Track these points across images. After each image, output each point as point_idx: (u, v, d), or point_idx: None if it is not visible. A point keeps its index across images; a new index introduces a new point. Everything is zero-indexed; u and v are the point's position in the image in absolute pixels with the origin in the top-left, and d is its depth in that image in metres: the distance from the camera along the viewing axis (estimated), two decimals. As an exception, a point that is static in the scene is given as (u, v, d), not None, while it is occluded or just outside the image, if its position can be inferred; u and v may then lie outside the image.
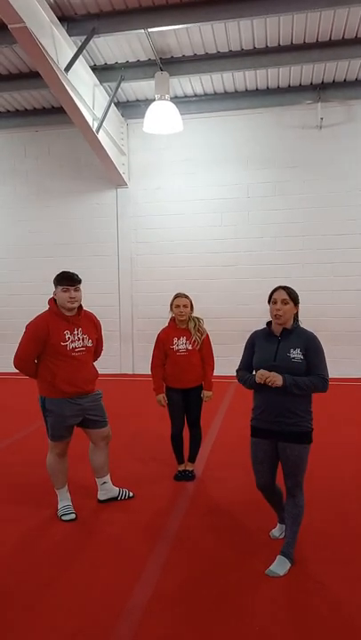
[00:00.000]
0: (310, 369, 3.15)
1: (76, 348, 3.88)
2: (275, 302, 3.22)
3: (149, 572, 3.20)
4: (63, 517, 3.94)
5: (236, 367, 3.44)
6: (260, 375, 3.11)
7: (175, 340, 4.57)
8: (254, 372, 3.27)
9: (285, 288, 3.27)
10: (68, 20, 6.87)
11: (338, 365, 8.64)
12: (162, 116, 7.85)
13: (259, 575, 3.13)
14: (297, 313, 3.32)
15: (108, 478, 4.24)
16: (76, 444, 4.25)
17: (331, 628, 2.68)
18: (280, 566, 3.16)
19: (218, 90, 9.04)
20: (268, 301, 3.29)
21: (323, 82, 8.79)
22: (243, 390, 3.43)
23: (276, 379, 3.07)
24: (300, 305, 3.31)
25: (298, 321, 3.31)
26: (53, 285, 3.91)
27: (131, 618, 2.77)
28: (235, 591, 3.00)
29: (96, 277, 9.77)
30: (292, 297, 3.25)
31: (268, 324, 3.34)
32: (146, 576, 3.16)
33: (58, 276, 3.92)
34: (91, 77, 7.97)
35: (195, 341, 4.57)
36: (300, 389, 3.10)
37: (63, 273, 3.93)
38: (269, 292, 3.31)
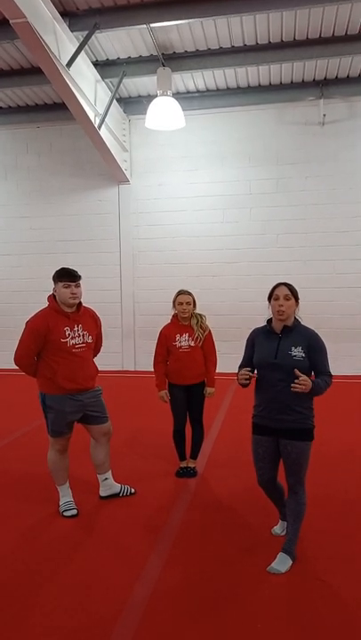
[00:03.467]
0: (316, 368, 3.15)
1: (76, 344, 3.88)
2: (277, 298, 3.20)
3: (150, 569, 3.20)
4: (65, 513, 3.94)
5: (238, 365, 3.43)
6: (299, 384, 3.01)
7: (178, 336, 4.57)
8: (255, 371, 3.26)
9: (286, 284, 3.26)
10: (69, 15, 6.85)
11: (339, 363, 8.58)
12: (164, 112, 7.81)
13: (260, 572, 3.13)
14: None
15: (109, 474, 4.24)
16: (78, 440, 4.25)
17: (332, 626, 2.68)
18: (282, 563, 3.15)
19: (220, 86, 9.01)
20: (269, 298, 3.27)
21: (325, 78, 8.75)
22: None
23: (307, 386, 3.02)
24: (301, 302, 3.29)
25: (298, 318, 3.30)
26: (53, 282, 3.91)
27: (131, 615, 2.77)
28: (236, 588, 3.00)
29: (98, 274, 9.77)
30: (294, 293, 3.23)
31: (269, 321, 3.32)
32: (147, 573, 3.16)
33: (57, 272, 3.91)
34: (92, 73, 7.94)
35: (197, 338, 4.57)
36: (317, 393, 3.11)
37: (63, 269, 3.93)
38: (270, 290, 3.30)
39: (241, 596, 2.92)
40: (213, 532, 3.68)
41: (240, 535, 3.61)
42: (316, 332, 3.25)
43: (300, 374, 3.03)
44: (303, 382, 3.00)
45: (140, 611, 2.80)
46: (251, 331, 3.44)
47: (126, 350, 10.03)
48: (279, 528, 3.59)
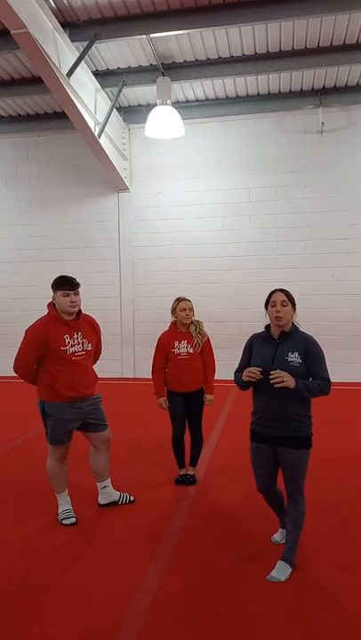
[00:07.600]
0: (313, 373, 3.14)
1: (76, 352, 3.88)
2: (274, 305, 3.21)
3: (150, 578, 3.19)
4: (64, 522, 3.93)
5: (234, 371, 3.43)
6: (274, 375, 3.02)
7: (176, 343, 4.58)
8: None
9: (283, 290, 3.27)
10: (70, 25, 6.91)
11: (339, 369, 8.62)
12: (163, 121, 7.87)
13: (260, 581, 3.11)
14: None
15: (108, 482, 4.23)
16: (77, 448, 4.24)
17: (333, 635, 2.66)
18: (281, 572, 3.14)
19: (219, 95, 9.08)
20: (266, 305, 3.29)
21: (324, 87, 8.82)
22: (244, 394, 3.42)
23: (290, 381, 3.02)
24: (299, 308, 3.30)
25: (296, 324, 3.31)
26: (52, 290, 3.92)
27: (132, 624, 2.75)
28: (236, 597, 2.99)
29: (98, 281, 9.80)
30: (290, 299, 3.24)
31: (267, 327, 3.33)
32: (147, 581, 3.15)
33: (56, 280, 3.92)
34: (93, 83, 8.00)
35: (196, 345, 4.58)
36: (311, 393, 3.08)
37: (62, 277, 3.93)
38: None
39: (241, 605, 2.91)
40: (213, 539, 3.66)
41: (240, 543, 3.60)
42: (313, 337, 3.25)
43: (273, 372, 3.01)
44: (279, 375, 2.98)
45: (141, 620, 2.79)
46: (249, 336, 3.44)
47: (126, 357, 10.03)
48: (279, 536, 3.58)
